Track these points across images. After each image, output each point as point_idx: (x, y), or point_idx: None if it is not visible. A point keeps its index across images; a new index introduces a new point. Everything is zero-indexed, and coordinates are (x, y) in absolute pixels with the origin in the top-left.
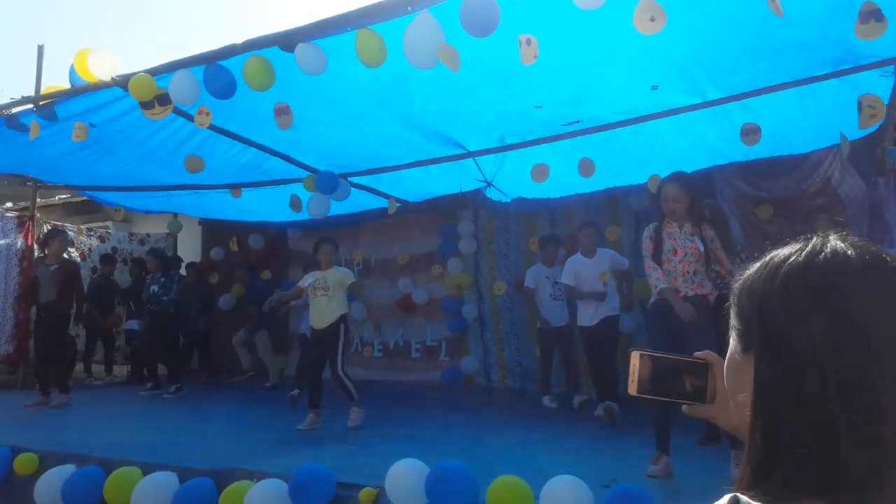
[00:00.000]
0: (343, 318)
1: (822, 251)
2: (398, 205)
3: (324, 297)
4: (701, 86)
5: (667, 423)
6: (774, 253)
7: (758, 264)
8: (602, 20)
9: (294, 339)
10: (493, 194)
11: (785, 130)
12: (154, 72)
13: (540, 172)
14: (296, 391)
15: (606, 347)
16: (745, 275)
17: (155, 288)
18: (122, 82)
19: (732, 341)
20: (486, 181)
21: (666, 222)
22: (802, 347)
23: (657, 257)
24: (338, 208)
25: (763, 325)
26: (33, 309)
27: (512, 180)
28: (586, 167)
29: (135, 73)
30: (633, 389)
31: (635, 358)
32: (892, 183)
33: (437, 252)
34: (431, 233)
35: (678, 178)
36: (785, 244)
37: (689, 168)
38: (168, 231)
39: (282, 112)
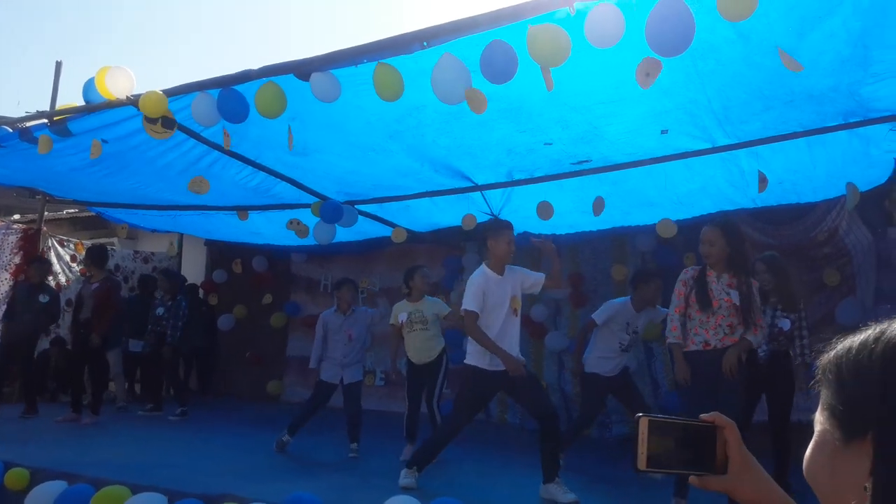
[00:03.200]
0: (444, 351)
1: None
2: (406, 234)
3: (423, 332)
4: (710, 131)
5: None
6: (884, 326)
7: (861, 337)
8: (613, 60)
9: (289, 364)
10: None
11: (794, 179)
12: (169, 93)
13: (544, 210)
14: (287, 437)
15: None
16: (846, 347)
17: (161, 311)
18: (136, 101)
19: (826, 425)
20: (492, 214)
21: (707, 269)
22: None
23: (705, 305)
24: (344, 235)
25: (888, 407)
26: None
27: (518, 215)
28: (598, 205)
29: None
30: (641, 464)
31: (643, 424)
32: None
33: (442, 283)
34: (436, 264)
35: (717, 222)
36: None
37: (696, 212)
38: (167, 252)
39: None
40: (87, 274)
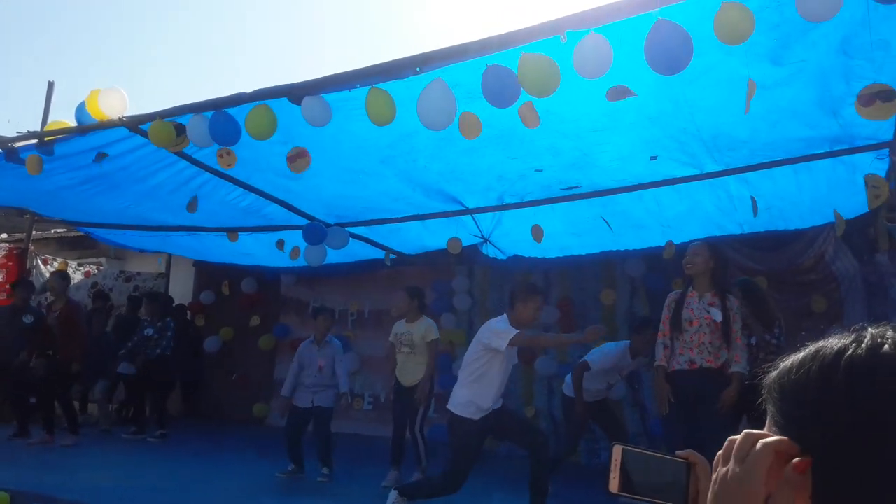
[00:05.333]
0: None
1: (884, 344)
2: (392, 256)
3: (409, 355)
4: (699, 158)
5: None
6: (820, 344)
7: (800, 356)
8: (604, 88)
9: (277, 387)
10: (489, 251)
11: (781, 205)
12: (163, 115)
13: (537, 233)
14: (291, 467)
15: None
16: (786, 367)
17: (150, 331)
18: (130, 123)
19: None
20: (483, 237)
21: (689, 290)
22: (878, 454)
23: (676, 325)
24: (334, 257)
25: (825, 429)
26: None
27: (509, 238)
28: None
29: (142, 115)
30: (613, 487)
31: (616, 452)
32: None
33: (431, 306)
34: (426, 287)
35: (705, 239)
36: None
37: (685, 236)
38: (153, 271)
39: (297, 156)
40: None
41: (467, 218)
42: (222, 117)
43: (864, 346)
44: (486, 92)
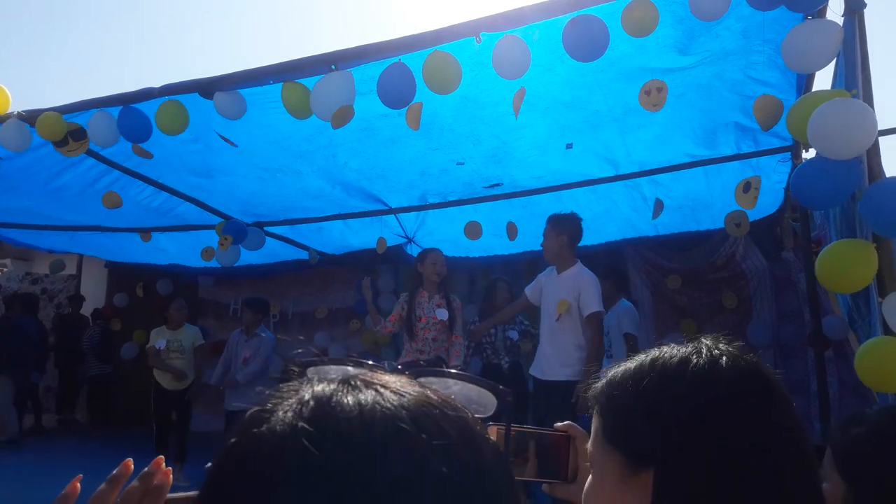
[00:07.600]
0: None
1: (722, 356)
2: (318, 256)
3: (179, 360)
4: (613, 150)
5: None
6: (655, 354)
7: (633, 365)
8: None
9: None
10: (413, 251)
11: (693, 206)
12: (65, 109)
13: (473, 230)
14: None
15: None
16: (618, 376)
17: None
18: (27, 118)
19: (607, 457)
20: (406, 237)
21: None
22: (713, 455)
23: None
24: (254, 257)
25: (666, 433)
26: None
27: (433, 238)
28: (512, 230)
29: (40, 110)
30: None
31: (492, 433)
32: (800, 257)
33: (356, 307)
34: (350, 287)
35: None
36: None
37: (603, 237)
38: (50, 272)
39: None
40: None
41: (390, 217)
42: (131, 113)
43: (703, 357)
44: (381, 92)
